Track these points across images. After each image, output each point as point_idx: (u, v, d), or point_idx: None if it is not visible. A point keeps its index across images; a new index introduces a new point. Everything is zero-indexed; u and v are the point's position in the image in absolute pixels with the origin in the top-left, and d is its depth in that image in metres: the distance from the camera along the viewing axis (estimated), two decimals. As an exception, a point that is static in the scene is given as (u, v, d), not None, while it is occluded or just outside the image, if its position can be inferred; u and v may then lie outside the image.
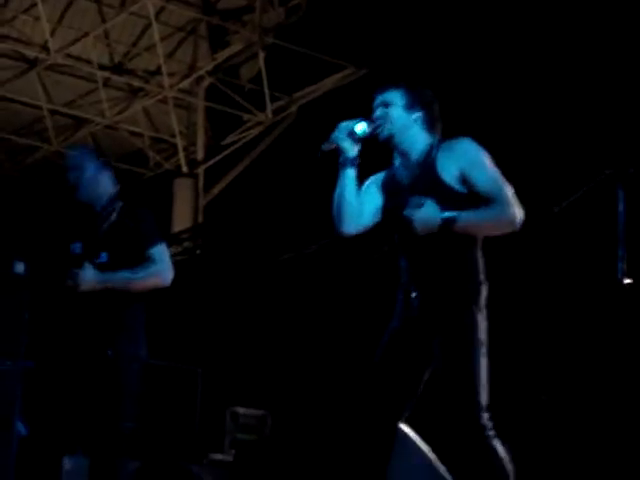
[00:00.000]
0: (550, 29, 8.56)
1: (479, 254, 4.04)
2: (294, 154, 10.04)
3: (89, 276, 4.65)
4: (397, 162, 4.19)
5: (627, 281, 4.93)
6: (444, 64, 9.16)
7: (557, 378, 7.37)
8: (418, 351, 3.98)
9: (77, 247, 4.85)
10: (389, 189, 4.18)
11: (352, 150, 4.10)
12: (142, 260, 4.73)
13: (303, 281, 9.83)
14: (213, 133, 12.76)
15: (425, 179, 4.03)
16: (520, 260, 7.75)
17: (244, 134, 12.38)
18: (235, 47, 11.75)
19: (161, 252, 4.78)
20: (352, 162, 4.11)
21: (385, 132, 4.11)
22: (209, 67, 11.97)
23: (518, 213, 3.94)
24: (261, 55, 11.59)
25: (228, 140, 12.54)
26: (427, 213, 3.90)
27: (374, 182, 4.24)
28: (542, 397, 7.20)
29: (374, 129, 4.10)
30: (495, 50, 8.88)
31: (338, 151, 4.11)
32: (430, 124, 4.14)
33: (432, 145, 4.09)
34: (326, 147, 4.09)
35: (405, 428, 4.06)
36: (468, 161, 3.98)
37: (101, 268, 4.70)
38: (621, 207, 4.99)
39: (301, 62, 11.29)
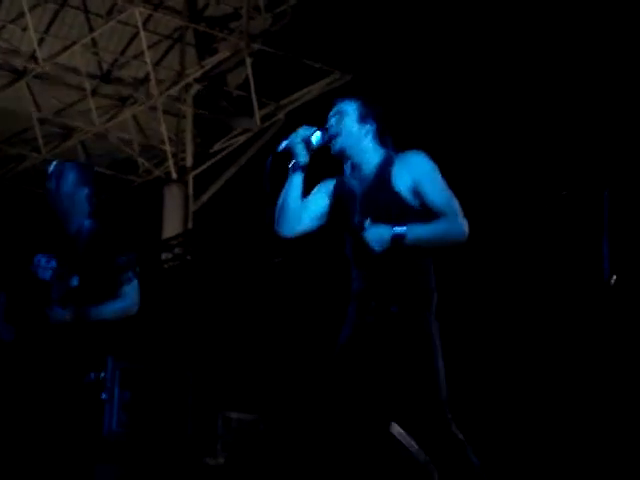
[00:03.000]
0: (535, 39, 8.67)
1: (430, 263, 4.14)
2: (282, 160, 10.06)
3: (60, 315, 4.58)
4: (348, 172, 4.26)
5: (613, 279, 5.02)
6: (431, 69, 9.25)
7: (546, 379, 7.44)
8: (375, 356, 4.07)
9: (52, 263, 4.70)
10: (339, 197, 4.25)
11: (303, 157, 4.16)
12: (112, 290, 4.61)
13: (293, 285, 9.88)
14: (202, 140, 12.75)
15: (380, 189, 4.12)
16: (509, 259, 7.83)
17: (232, 141, 12.41)
18: (222, 54, 11.72)
19: (131, 289, 4.65)
20: (301, 168, 4.18)
21: (337, 145, 4.18)
22: (197, 74, 11.95)
23: (465, 227, 4.06)
24: (248, 61, 11.60)
25: (217, 147, 12.58)
26: (377, 233, 4.00)
27: (322, 189, 4.31)
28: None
29: (328, 140, 4.17)
30: (478, 55, 8.97)
31: (291, 155, 4.17)
32: (381, 138, 4.22)
33: (388, 158, 4.18)
34: (281, 148, 4.15)
35: (398, 429, 4.13)
36: (421, 173, 4.08)
37: (71, 293, 4.61)
38: (606, 209, 5.10)
39: (288, 68, 11.34)
